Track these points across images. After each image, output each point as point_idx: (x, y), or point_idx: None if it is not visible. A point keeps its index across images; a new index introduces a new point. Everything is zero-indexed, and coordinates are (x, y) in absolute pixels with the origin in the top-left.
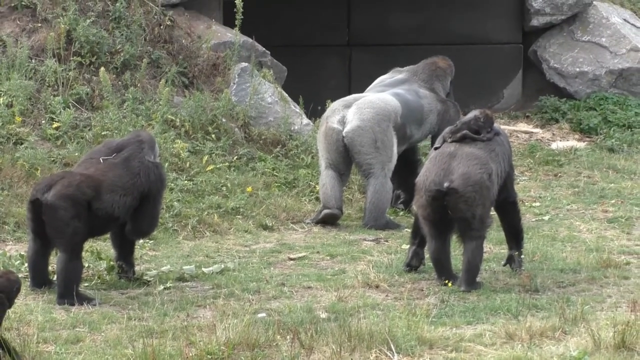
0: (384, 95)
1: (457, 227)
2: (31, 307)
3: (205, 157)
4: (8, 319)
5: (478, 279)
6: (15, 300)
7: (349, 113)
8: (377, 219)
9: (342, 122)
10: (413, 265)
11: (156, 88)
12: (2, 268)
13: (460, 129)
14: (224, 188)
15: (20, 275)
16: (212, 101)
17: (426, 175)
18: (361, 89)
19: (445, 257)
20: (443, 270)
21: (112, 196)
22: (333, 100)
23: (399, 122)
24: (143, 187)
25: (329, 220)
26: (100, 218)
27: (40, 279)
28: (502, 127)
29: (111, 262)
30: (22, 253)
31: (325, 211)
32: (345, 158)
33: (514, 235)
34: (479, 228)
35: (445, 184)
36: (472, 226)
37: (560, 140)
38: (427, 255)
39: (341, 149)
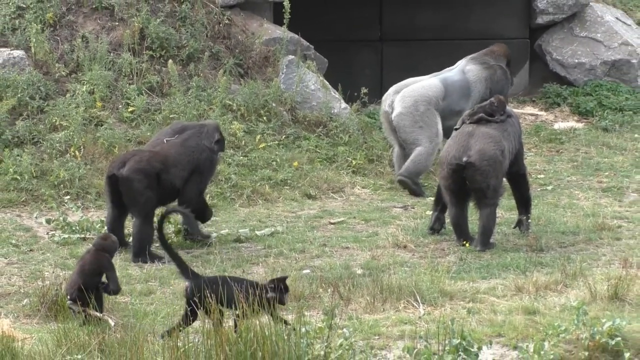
0: (429, 81)
1: (473, 195)
2: None
3: (258, 136)
4: None
5: (491, 240)
6: None
7: (396, 100)
8: (411, 175)
9: (392, 106)
10: (435, 228)
11: (216, 77)
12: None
13: (476, 112)
14: (274, 163)
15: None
16: (264, 88)
17: (448, 151)
18: (391, 79)
19: (463, 222)
20: (461, 233)
21: (175, 170)
22: (367, 87)
23: (442, 103)
24: (194, 164)
25: (400, 185)
26: (166, 189)
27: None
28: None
29: (178, 226)
30: (102, 219)
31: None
32: (397, 135)
33: (523, 203)
34: (493, 196)
35: (464, 159)
36: (487, 195)
37: (562, 122)
38: (447, 220)
39: (393, 128)
